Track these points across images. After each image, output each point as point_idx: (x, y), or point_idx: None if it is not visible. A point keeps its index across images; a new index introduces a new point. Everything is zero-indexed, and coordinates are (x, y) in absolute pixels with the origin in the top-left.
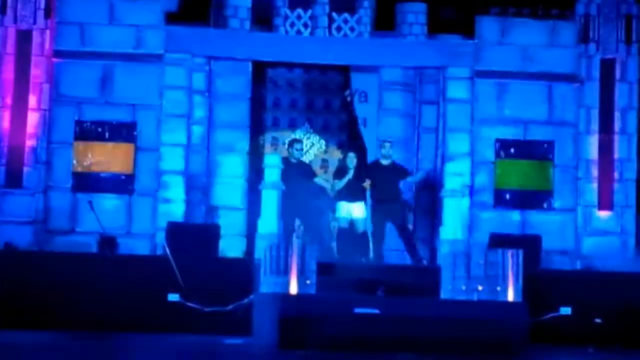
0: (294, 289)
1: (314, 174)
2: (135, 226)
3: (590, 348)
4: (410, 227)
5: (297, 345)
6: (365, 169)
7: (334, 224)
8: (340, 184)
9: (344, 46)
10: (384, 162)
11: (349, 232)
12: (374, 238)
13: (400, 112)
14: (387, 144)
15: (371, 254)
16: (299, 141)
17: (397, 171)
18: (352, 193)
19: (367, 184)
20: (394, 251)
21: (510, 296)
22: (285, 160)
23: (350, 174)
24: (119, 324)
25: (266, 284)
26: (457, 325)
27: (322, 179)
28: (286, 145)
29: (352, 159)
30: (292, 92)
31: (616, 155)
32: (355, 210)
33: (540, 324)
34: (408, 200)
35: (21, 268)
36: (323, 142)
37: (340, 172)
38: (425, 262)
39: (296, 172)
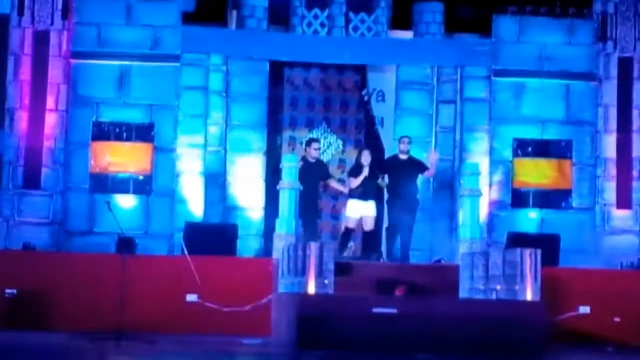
0: (311, 288)
1: (330, 174)
2: (153, 226)
3: (609, 347)
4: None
5: (315, 345)
6: (382, 163)
7: (342, 222)
8: (357, 182)
9: (361, 46)
10: (402, 157)
11: (359, 231)
12: (389, 234)
13: (417, 111)
14: (406, 139)
15: (384, 252)
16: (317, 140)
17: (415, 165)
18: (365, 191)
19: (382, 182)
20: (412, 250)
21: (529, 295)
22: (303, 160)
23: (365, 172)
24: (137, 325)
25: (284, 284)
26: (475, 324)
27: (336, 181)
28: (304, 145)
29: (366, 157)
30: (309, 91)
31: (634, 154)
32: (367, 209)
33: (559, 323)
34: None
35: (40, 268)
36: (340, 141)
37: (355, 170)
38: (443, 261)
39: (314, 172)
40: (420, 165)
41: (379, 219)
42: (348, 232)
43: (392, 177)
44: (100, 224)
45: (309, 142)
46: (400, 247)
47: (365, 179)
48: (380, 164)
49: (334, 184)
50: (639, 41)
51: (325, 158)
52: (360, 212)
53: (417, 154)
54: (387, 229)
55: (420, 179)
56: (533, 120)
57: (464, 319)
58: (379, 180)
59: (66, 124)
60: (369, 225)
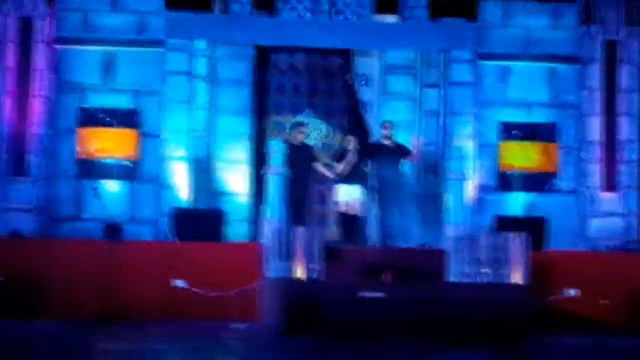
0: (299, 273)
1: (316, 158)
2: (139, 212)
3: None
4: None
5: (302, 329)
6: (367, 149)
7: (334, 207)
8: (340, 167)
9: (346, 30)
10: (385, 142)
11: (346, 216)
12: (377, 220)
13: (402, 95)
14: (388, 124)
15: (372, 237)
16: (303, 124)
17: (399, 150)
18: (350, 176)
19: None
20: (399, 235)
21: (516, 279)
22: (289, 144)
23: (349, 157)
24: (124, 310)
25: (272, 269)
26: (462, 308)
27: (322, 165)
28: (289, 129)
29: (350, 142)
30: (295, 76)
31: (620, 137)
32: (353, 193)
33: (546, 306)
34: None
35: (27, 255)
36: (325, 126)
37: (340, 156)
38: (428, 245)
39: (300, 156)
40: (404, 150)
41: (366, 204)
42: (345, 217)
43: (376, 162)
44: (87, 210)
45: (294, 126)
46: (386, 232)
47: (351, 163)
48: (364, 149)
49: (320, 168)
50: (623, 24)
51: (310, 143)
52: (347, 196)
53: (403, 138)
54: (376, 216)
55: (406, 164)
56: (519, 103)
57: (451, 303)
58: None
59: (51, 110)
60: (355, 210)
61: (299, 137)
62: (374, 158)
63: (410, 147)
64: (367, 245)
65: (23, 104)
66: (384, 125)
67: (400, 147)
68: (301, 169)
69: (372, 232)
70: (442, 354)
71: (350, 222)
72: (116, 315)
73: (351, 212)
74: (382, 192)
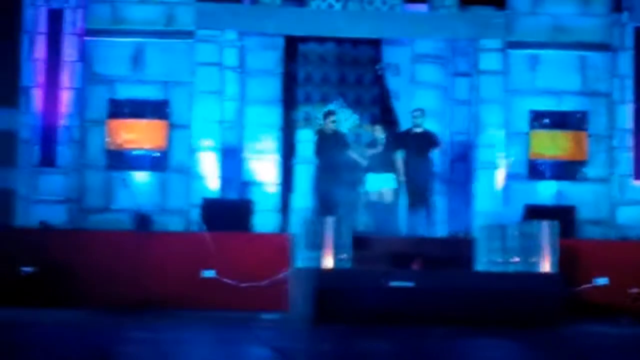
0: (328, 263)
1: (349, 146)
2: (169, 203)
3: (623, 319)
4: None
5: (332, 319)
6: (396, 138)
7: (365, 196)
8: (371, 155)
9: (376, 19)
10: (416, 130)
11: (378, 205)
12: (407, 209)
13: (432, 84)
14: (417, 112)
15: (402, 227)
16: (333, 112)
17: (429, 139)
18: (381, 165)
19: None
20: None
21: (546, 267)
22: (321, 132)
23: (379, 147)
24: (155, 301)
25: (301, 259)
26: (492, 297)
27: (356, 153)
28: (321, 117)
29: (379, 131)
30: (324, 66)
31: None
32: (383, 182)
33: (576, 294)
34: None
35: (57, 246)
36: (356, 116)
37: (370, 145)
38: (460, 234)
39: (332, 144)
40: (433, 138)
41: (396, 193)
42: (376, 206)
43: (406, 150)
44: (117, 201)
45: (326, 115)
46: (415, 221)
47: (380, 153)
48: (395, 138)
49: (354, 155)
50: None
51: (342, 131)
52: (378, 185)
53: (434, 127)
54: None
55: (436, 152)
56: (548, 92)
57: (481, 292)
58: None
59: (81, 102)
60: (387, 198)
61: (330, 125)
62: (403, 147)
63: (439, 136)
64: (397, 235)
65: (53, 96)
66: (413, 114)
67: (429, 135)
68: (332, 157)
69: (402, 221)
70: (471, 342)
71: (380, 212)
72: (146, 306)
73: (382, 201)
74: (412, 181)
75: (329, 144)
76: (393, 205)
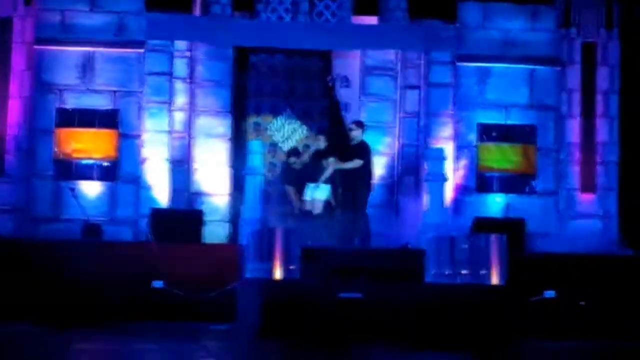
0: (278, 274)
1: (318, 174)
2: (118, 213)
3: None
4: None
5: (280, 330)
6: (334, 148)
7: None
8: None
9: (325, 31)
10: (352, 142)
11: (309, 214)
12: (339, 219)
13: (382, 96)
14: (353, 125)
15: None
16: (298, 152)
17: (358, 151)
18: (314, 174)
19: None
20: (377, 235)
21: (495, 280)
22: (286, 166)
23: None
24: (103, 311)
25: (250, 270)
26: (441, 309)
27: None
28: (285, 155)
29: (322, 141)
30: (274, 77)
31: (598, 139)
32: (318, 193)
33: (525, 307)
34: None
35: (5, 256)
36: (305, 127)
37: (316, 156)
38: (409, 246)
39: (301, 175)
40: (360, 150)
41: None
42: (308, 216)
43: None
44: (66, 211)
45: (289, 154)
46: (347, 232)
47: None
48: (331, 148)
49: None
50: (602, 27)
51: (289, 144)
52: (313, 194)
53: (382, 139)
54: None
55: (380, 163)
56: (497, 105)
57: (430, 304)
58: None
59: (30, 111)
60: (317, 209)
61: (295, 165)
62: (338, 157)
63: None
64: (346, 246)
65: (1, 104)
66: (349, 126)
67: (360, 147)
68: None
69: (334, 231)
70: (421, 357)
71: (312, 221)
72: (95, 316)
73: (314, 210)
74: (346, 192)
75: (297, 175)
76: (323, 215)
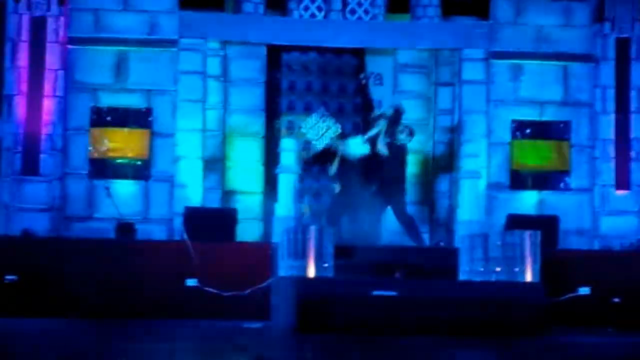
0: (311, 272)
1: None
2: (152, 212)
3: (609, 328)
4: None
5: (315, 328)
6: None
7: None
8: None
9: (358, 29)
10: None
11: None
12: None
13: (415, 94)
14: (406, 130)
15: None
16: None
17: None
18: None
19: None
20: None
21: (528, 277)
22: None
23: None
24: (137, 310)
25: (284, 268)
26: (475, 306)
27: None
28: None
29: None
30: (307, 75)
31: (633, 135)
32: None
33: (559, 304)
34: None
35: (40, 255)
36: (338, 125)
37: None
38: (442, 244)
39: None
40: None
41: None
42: None
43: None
44: (100, 210)
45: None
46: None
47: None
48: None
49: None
50: (636, 22)
51: (323, 142)
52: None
53: (415, 137)
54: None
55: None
56: (531, 102)
57: (464, 301)
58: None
59: (64, 110)
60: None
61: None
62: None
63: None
64: (380, 244)
65: (36, 104)
66: (401, 127)
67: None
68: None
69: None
70: (454, 353)
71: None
72: (129, 315)
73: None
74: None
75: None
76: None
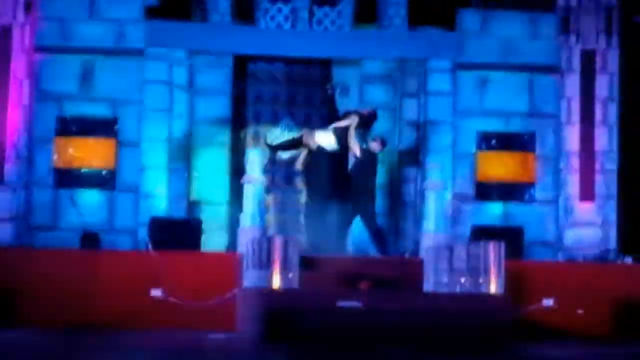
0: (276, 283)
1: None
2: (117, 221)
3: (571, 340)
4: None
5: (280, 339)
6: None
7: None
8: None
9: (325, 39)
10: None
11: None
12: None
13: (381, 104)
14: (378, 139)
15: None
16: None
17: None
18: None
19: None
20: (365, 244)
21: (493, 288)
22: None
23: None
24: (102, 320)
25: (249, 278)
26: (439, 317)
27: None
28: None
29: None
30: (274, 85)
31: (597, 147)
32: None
33: (523, 315)
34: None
35: (3, 264)
36: (304, 131)
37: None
38: (407, 255)
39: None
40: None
41: None
42: None
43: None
44: (65, 220)
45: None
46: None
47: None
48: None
49: None
50: (601, 34)
51: (288, 153)
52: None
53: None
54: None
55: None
56: (497, 113)
57: (429, 312)
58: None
59: (30, 119)
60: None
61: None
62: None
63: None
64: (346, 254)
65: (1, 113)
66: (373, 137)
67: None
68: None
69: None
70: None
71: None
72: (93, 325)
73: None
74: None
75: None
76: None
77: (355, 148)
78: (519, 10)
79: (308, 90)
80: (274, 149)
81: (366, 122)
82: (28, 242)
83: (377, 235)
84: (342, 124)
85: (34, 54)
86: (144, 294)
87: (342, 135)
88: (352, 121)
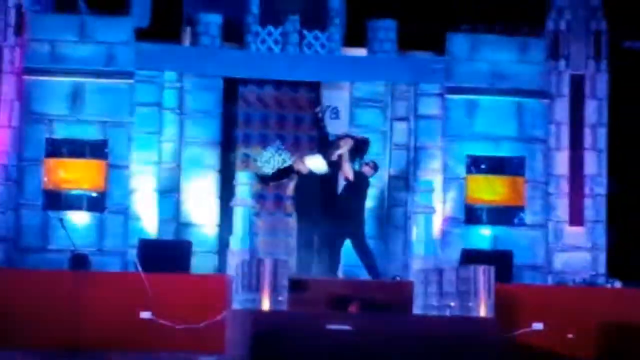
0: (266, 305)
1: None
2: (107, 243)
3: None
4: None
5: None
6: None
7: None
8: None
9: (315, 63)
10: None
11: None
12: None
13: (371, 128)
14: (371, 163)
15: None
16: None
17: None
18: None
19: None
20: (355, 267)
21: (482, 312)
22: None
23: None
24: (91, 342)
25: (238, 301)
26: (429, 341)
27: None
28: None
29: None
30: (263, 108)
31: (586, 171)
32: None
33: (512, 339)
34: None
35: None
36: (294, 159)
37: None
38: (398, 278)
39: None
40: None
41: None
42: None
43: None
44: (54, 241)
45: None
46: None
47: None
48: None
49: None
50: (590, 59)
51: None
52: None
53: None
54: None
55: (370, 195)
56: (486, 137)
57: (418, 336)
58: None
59: (19, 141)
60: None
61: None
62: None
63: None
64: (336, 277)
65: None
66: (366, 160)
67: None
68: None
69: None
70: None
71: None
72: (83, 347)
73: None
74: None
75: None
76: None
77: (348, 172)
78: (508, 35)
79: (297, 113)
80: (266, 180)
81: (360, 148)
82: (17, 264)
83: (368, 258)
84: (338, 152)
85: (24, 76)
86: (134, 315)
87: (334, 164)
88: (347, 144)
